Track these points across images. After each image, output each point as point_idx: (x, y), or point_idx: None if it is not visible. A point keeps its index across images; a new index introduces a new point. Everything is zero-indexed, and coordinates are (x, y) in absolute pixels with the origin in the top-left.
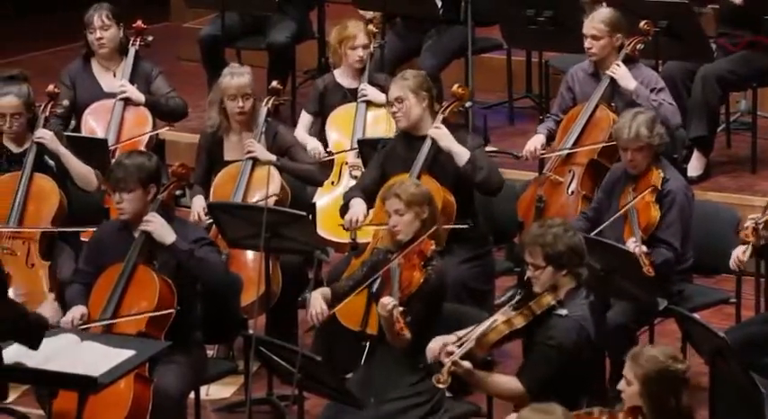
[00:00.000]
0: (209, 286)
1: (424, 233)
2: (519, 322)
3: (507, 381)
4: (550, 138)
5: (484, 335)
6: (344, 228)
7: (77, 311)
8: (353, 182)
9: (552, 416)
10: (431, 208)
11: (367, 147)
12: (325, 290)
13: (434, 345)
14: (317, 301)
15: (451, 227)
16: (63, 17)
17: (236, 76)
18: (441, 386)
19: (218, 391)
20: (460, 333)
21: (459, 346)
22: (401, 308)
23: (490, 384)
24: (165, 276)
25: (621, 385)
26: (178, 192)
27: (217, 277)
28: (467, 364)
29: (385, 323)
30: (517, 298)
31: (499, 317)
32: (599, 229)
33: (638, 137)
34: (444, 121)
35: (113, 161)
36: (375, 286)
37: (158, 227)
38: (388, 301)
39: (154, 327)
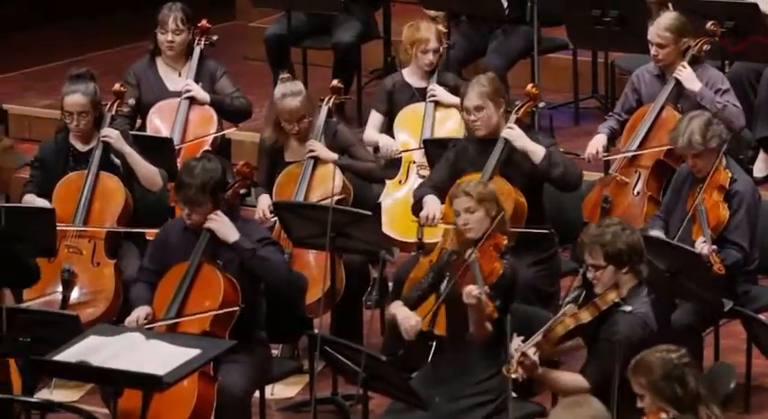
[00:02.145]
0: (272, 286)
1: (496, 229)
2: (585, 317)
3: (572, 378)
4: (612, 137)
5: (550, 330)
6: (420, 225)
7: (142, 311)
8: (420, 181)
9: (585, 409)
10: (498, 205)
11: (433, 147)
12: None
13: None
14: (407, 320)
15: (530, 231)
16: (129, 16)
17: (289, 99)
18: (513, 376)
19: (283, 390)
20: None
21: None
22: (489, 291)
23: (555, 379)
24: (229, 275)
25: (639, 403)
26: (242, 191)
27: (279, 277)
28: (534, 357)
29: (472, 312)
30: (576, 295)
31: (566, 312)
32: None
33: (691, 144)
34: (517, 121)
35: (181, 170)
36: (443, 287)
37: (222, 226)
38: (472, 288)
39: (218, 326)
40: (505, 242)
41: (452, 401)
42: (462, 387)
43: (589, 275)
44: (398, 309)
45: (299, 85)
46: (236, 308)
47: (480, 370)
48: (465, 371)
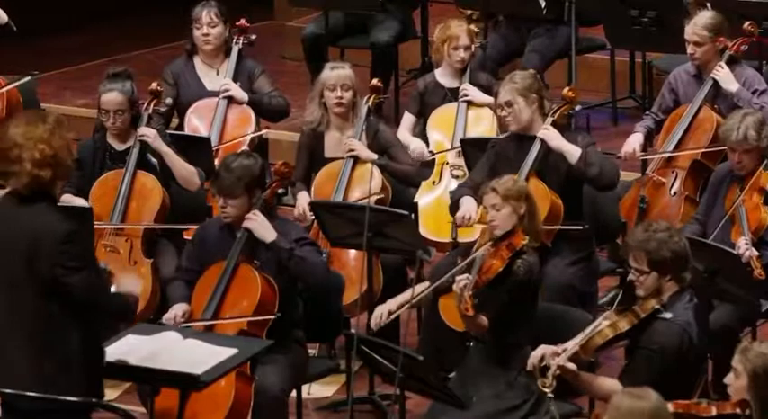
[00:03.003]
0: (310, 286)
1: (521, 227)
2: (624, 326)
3: (611, 384)
4: (648, 136)
5: (589, 339)
6: (457, 225)
7: (180, 309)
8: (454, 182)
9: (644, 402)
10: (529, 204)
11: (470, 147)
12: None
13: (537, 352)
14: None
15: (565, 228)
16: (167, 16)
17: (337, 69)
18: (546, 390)
19: (320, 390)
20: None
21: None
22: (470, 290)
23: (594, 386)
24: (266, 275)
25: (729, 378)
26: (280, 191)
27: (317, 277)
28: (572, 366)
29: (455, 301)
30: (618, 298)
31: (603, 322)
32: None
33: (747, 139)
34: (553, 124)
35: (220, 165)
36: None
37: (260, 225)
38: (461, 278)
39: (255, 326)
40: (524, 241)
41: (489, 401)
42: (495, 388)
43: (632, 277)
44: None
45: (347, 63)
46: (272, 317)
47: (507, 370)
48: (497, 372)
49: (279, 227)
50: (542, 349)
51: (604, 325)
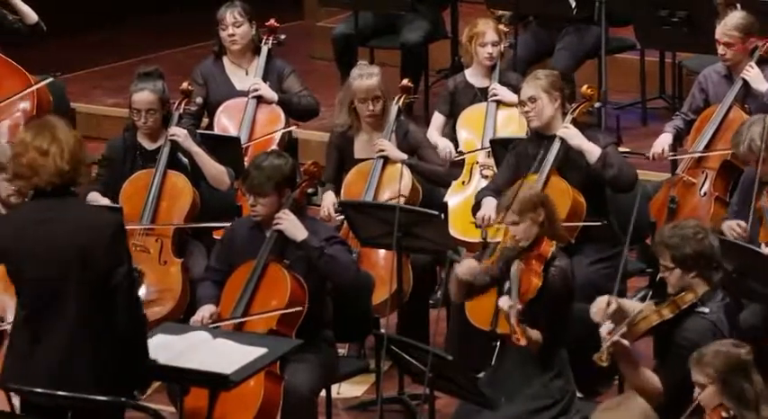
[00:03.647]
0: (340, 285)
1: (544, 233)
2: (666, 313)
3: (652, 376)
4: (678, 137)
5: (634, 324)
6: (476, 226)
7: (207, 310)
8: (484, 182)
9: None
10: (546, 208)
11: (499, 147)
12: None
13: (600, 304)
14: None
15: (584, 224)
16: (197, 15)
17: (366, 78)
18: (602, 364)
19: (350, 390)
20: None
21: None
22: (517, 316)
23: (639, 373)
24: (296, 274)
25: (697, 394)
26: (310, 191)
27: (347, 275)
28: (626, 342)
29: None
30: (642, 296)
31: (645, 309)
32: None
33: (751, 150)
34: (573, 122)
35: (250, 163)
36: (505, 285)
37: (290, 224)
38: (504, 302)
39: (285, 325)
40: (553, 248)
41: (517, 403)
42: (525, 389)
43: (661, 273)
44: (458, 267)
45: (375, 68)
46: (301, 308)
47: (540, 372)
48: (526, 373)
49: (309, 226)
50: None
51: (648, 311)
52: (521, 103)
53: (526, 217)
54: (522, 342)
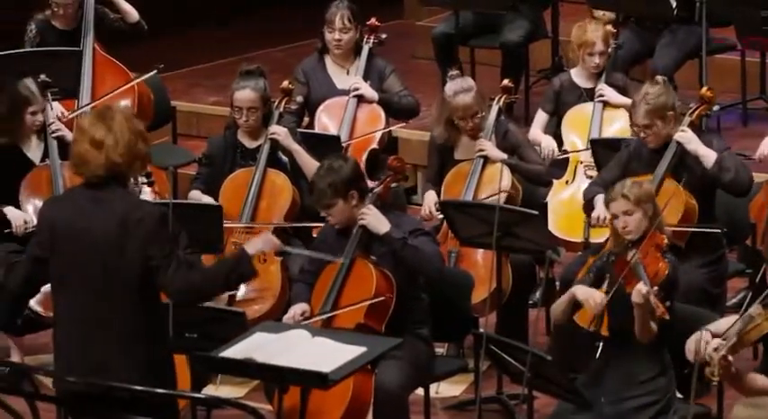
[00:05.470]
0: (426, 277)
1: (650, 229)
2: None
3: (763, 380)
4: None
5: (745, 333)
6: (590, 225)
7: (299, 308)
8: (587, 181)
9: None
10: (654, 205)
11: (600, 147)
12: None
13: (692, 345)
14: (591, 295)
15: (699, 230)
16: (299, 14)
17: (462, 95)
18: (714, 380)
19: (448, 389)
20: (711, 327)
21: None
22: (657, 292)
23: (750, 380)
24: (383, 268)
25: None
26: (393, 185)
27: (432, 267)
28: (732, 359)
29: (639, 312)
30: (741, 297)
31: (756, 316)
32: None
33: None
34: (690, 125)
35: (312, 176)
36: (605, 287)
37: (373, 218)
38: (641, 287)
39: (373, 318)
40: (666, 241)
41: (617, 402)
42: (627, 388)
43: None
44: (579, 288)
45: (469, 81)
46: (385, 297)
47: (644, 371)
48: (629, 372)
49: (393, 220)
50: (694, 339)
51: (760, 319)
52: (635, 126)
53: (641, 208)
54: (665, 316)
